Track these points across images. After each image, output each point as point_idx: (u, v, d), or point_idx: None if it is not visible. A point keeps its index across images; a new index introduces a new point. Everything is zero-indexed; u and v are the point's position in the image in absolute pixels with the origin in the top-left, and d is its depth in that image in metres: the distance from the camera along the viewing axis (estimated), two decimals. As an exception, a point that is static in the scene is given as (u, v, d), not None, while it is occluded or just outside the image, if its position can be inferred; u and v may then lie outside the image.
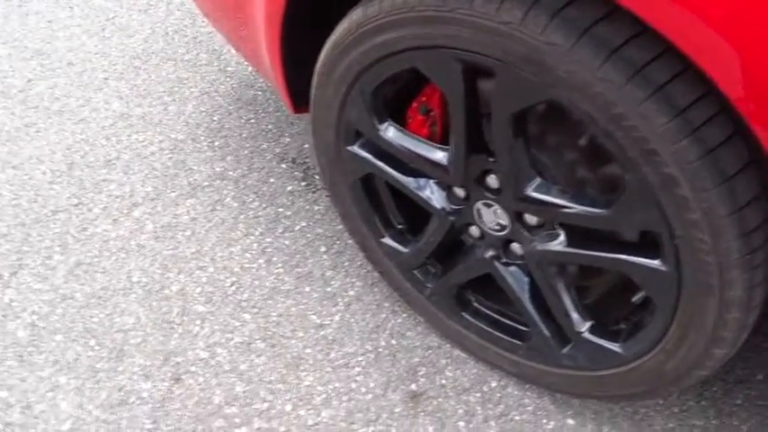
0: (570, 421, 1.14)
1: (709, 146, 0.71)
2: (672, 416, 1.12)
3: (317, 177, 1.58)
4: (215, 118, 1.76)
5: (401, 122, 1.06)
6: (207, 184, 1.61)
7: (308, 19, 1.04)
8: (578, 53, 0.73)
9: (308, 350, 1.30)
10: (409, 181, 1.08)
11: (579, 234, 0.92)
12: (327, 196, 1.53)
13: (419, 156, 1.02)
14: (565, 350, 1.05)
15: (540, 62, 0.76)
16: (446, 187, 1.05)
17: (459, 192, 1.03)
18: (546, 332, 1.05)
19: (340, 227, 1.45)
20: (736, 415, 1.11)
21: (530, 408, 1.17)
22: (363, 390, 1.23)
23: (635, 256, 0.85)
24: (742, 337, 0.85)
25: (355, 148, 1.10)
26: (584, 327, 1.00)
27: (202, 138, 1.72)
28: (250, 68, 1.86)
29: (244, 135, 1.71)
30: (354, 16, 0.92)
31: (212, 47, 1.95)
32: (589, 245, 0.91)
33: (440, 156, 1.00)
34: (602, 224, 0.87)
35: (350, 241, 1.41)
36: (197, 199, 1.58)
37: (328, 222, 1.49)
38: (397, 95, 1.04)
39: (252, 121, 1.74)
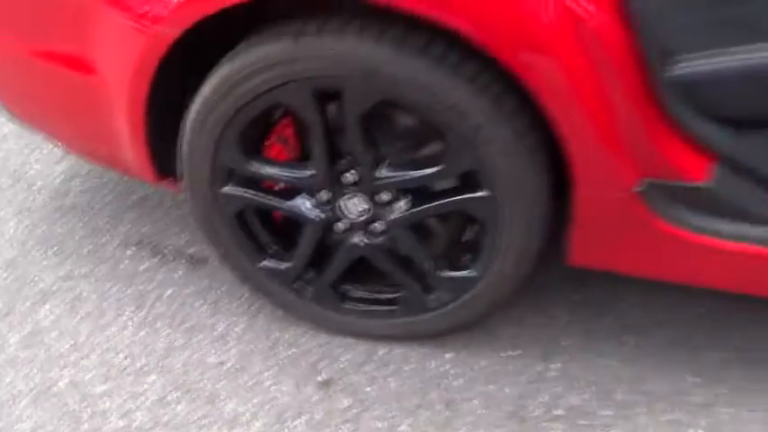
0: (447, 355, 1.45)
1: (496, 95, 1.11)
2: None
3: (167, 250, 1.73)
4: (40, 230, 1.82)
5: (263, 155, 1.34)
6: (56, 287, 1.67)
7: (169, 93, 1.27)
8: (400, 61, 1.09)
9: (220, 384, 1.44)
10: (282, 201, 1.35)
11: (424, 195, 1.27)
12: (184, 262, 1.69)
13: (290, 177, 1.30)
14: (431, 295, 1.37)
15: (375, 72, 1.11)
16: (314, 196, 1.33)
17: (325, 196, 1.32)
18: (415, 287, 1.37)
19: (206, 281, 1.63)
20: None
21: (413, 358, 1.46)
22: (280, 395, 1.42)
23: (468, 193, 1.22)
24: (545, 230, 1.26)
25: (230, 188, 1.34)
26: (440, 270, 1.34)
27: (34, 250, 1.76)
28: (59, 180, 1.95)
29: (77, 237, 1.79)
30: (224, 71, 1.19)
31: (10, 169, 2.00)
32: (433, 199, 1.27)
33: (307, 171, 1.29)
34: (439, 178, 1.23)
35: (222, 289, 1.61)
36: (52, 302, 1.63)
37: (194, 282, 1.65)
38: (258, 133, 1.31)
39: (80, 224, 1.83)
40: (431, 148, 1.27)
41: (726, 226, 1.18)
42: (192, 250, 1.72)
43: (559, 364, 1.42)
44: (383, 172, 1.25)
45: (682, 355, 1.41)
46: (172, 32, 1.17)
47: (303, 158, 1.34)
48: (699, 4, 1.32)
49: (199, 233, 1.49)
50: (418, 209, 1.28)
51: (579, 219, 1.21)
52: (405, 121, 1.26)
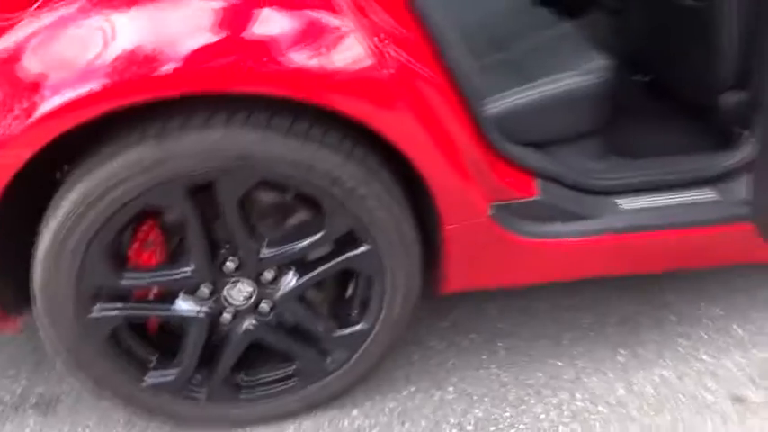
0: (354, 411, 1.49)
1: (362, 157, 1.21)
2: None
3: (7, 398, 1.52)
4: None
5: (131, 265, 1.27)
6: None
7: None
8: (271, 143, 1.14)
9: None
10: (161, 308, 1.28)
11: (308, 264, 1.31)
12: (33, 407, 1.50)
13: (167, 280, 1.25)
14: (329, 358, 1.41)
15: (248, 157, 1.14)
16: (194, 293, 1.29)
17: (207, 290, 1.29)
18: (311, 354, 1.39)
19: (68, 423, 1.46)
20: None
21: (325, 425, 1.46)
22: None
23: (350, 252, 1.29)
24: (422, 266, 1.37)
25: (99, 310, 1.24)
26: (333, 331, 1.38)
27: None
28: None
29: None
30: (83, 186, 1.12)
31: None
32: (318, 266, 1.31)
33: (184, 270, 1.25)
34: (322, 244, 1.28)
35: (89, 423, 1.45)
36: None
37: (52, 427, 1.47)
38: (124, 243, 1.24)
39: None
40: (299, 218, 1.32)
41: (560, 227, 1.41)
42: (39, 390, 1.53)
43: (452, 387, 1.53)
44: (265, 252, 1.27)
45: (545, 345, 1.62)
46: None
47: (175, 257, 1.29)
48: (481, 52, 1.58)
49: (41, 369, 1.35)
50: (306, 278, 1.31)
51: (450, 250, 1.35)
52: (270, 197, 1.30)
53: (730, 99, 1.54)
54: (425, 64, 1.26)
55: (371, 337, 1.39)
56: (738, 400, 1.48)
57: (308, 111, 1.16)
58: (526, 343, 1.63)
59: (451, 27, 1.29)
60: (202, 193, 1.20)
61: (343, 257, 1.30)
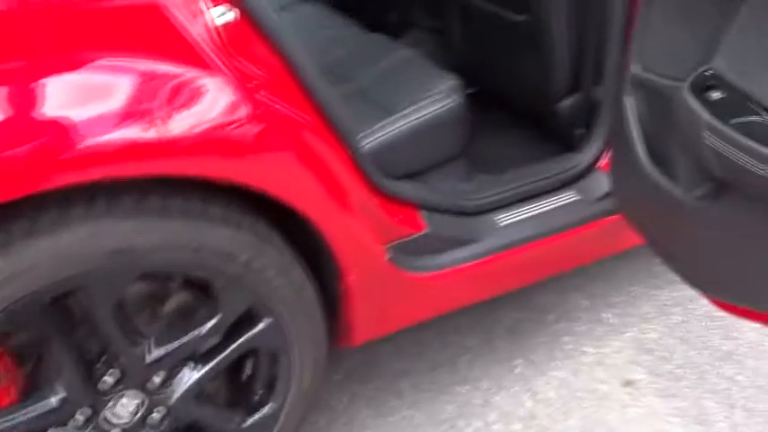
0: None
1: (251, 224, 1.07)
2: None
3: None
4: None
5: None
6: None
7: None
8: (146, 230, 0.96)
9: None
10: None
11: (204, 354, 1.13)
12: None
13: (31, 417, 0.99)
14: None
15: (124, 251, 0.94)
16: (67, 423, 1.05)
17: (83, 416, 1.05)
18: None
19: None
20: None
21: None
22: None
23: (251, 329, 1.13)
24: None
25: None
26: (241, 422, 1.21)
27: None
28: None
29: None
30: None
31: None
32: (215, 355, 1.13)
33: (52, 400, 1.00)
34: (219, 329, 1.11)
35: None
36: None
37: None
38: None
39: None
40: (185, 305, 1.14)
41: (452, 255, 1.38)
42: None
43: (365, 441, 1.44)
44: (152, 354, 1.07)
45: (444, 373, 1.59)
46: None
47: (35, 388, 1.04)
48: (336, 82, 1.49)
49: None
50: (204, 372, 1.13)
51: (353, 302, 1.25)
52: (146, 288, 1.10)
53: (567, 104, 1.62)
54: (299, 107, 1.14)
55: (283, 416, 1.24)
56: (629, 383, 1.57)
57: (180, 184, 0.99)
58: (427, 376, 1.58)
59: (314, 64, 1.19)
60: (64, 300, 0.97)
61: (244, 338, 1.14)
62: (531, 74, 1.65)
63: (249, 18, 1.00)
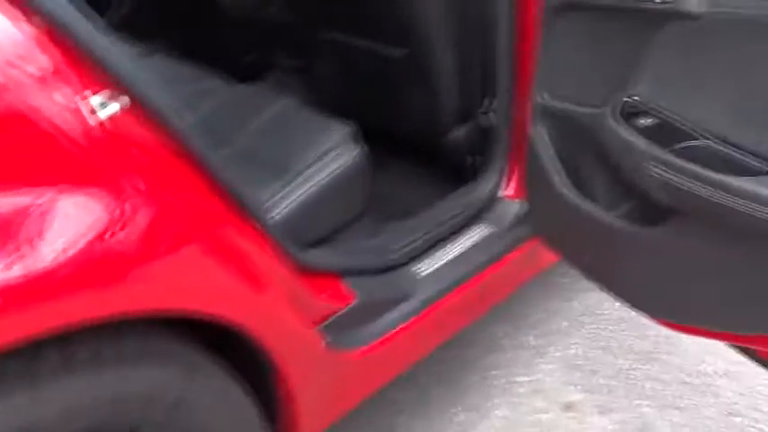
0: None
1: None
2: None
3: None
4: None
5: None
6: None
7: None
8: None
9: None
10: None
11: None
12: None
13: None
14: None
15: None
16: None
17: None
18: None
19: None
20: None
21: None
22: None
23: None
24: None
25: None
26: None
27: None
28: None
29: None
30: None
31: None
32: None
33: None
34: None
35: None
36: None
37: None
38: None
39: None
40: None
41: (387, 319, 1.26)
42: None
43: None
44: None
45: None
46: None
47: None
48: (215, 146, 1.31)
49: None
50: None
51: (296, 400, 1.09)
52: None
53: (458, 134, 1.57)
54: (196, 193, 0.96)
55: None
56: (569, 407, 1.54)
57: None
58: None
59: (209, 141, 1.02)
60: None
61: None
62: (418, 107, 1.58)
63: (139, 104, 0.81)
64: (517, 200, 1.50)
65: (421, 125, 1.60)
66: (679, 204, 0.97)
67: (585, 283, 1.81)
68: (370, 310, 1.23)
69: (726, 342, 1.20)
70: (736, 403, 1.52)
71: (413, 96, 1.57)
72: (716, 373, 1.59)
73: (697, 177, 0.91)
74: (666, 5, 0.91)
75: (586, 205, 1.19)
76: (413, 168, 1.67)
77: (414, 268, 1.37)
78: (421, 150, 1.66)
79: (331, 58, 1.71)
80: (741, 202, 0.87)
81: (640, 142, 0.98)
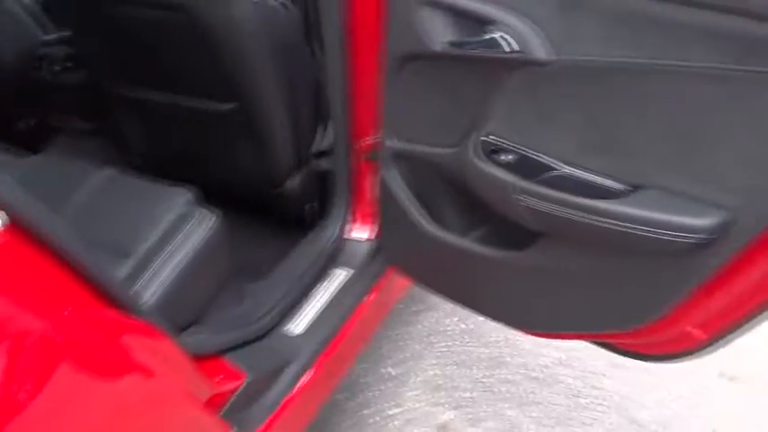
0: None
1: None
2: None
3: None
4: None
5: None
6: None
7: None
8: None
9: None
10: None
11: None
12: None
13: None
14: None
15: None
16: None
17: None
18: None
19: None
20: None
21: None
22: None
23: None
24: None
25: None
26: None
27: None
28: None
29: None
30: None
31: None
32: None
33: None
34: None
35: None
36: None
37: None
38: None
39: None
40: None
41: (279, 387, 1.21)
42: None
43: None
44: None
45: None
46: None
47: None
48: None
49: None
50: None
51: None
52: None
53: (294, 182, 1.56)
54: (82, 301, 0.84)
55: None
56: (444, 427, 1.61)
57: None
58: None
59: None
60: None
61: None
62: (250, 160, 1.53)
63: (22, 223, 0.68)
64: (365, 239, 1.54)
65: (254, 178, 1.56)
66: (548, 228, 1.08)
67: (420, 305, 1.93)
68: (262, 384, 1.17)
69: (589, 340, 1.35)
70: (577, 387, 1.71)
71: (243, 150, 1.52)
72: (554, 363, 1.77)
73: (563, 203, 1.02)
74: (516, 55, 1.01)
75: (444, 234, 1.27)
76: (255, 223, 1.62)
77: (287, 328, 1.33)
78: (258, 203, 1.61)
79: (146, 117, 1.59)
80: (602, 220, 1.00)
81: (507, 176, 1.07)
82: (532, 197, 1.04)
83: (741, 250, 0.92)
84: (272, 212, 1.61)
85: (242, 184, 1.59)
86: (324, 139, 1.57)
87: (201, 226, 1.20)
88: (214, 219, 1.22)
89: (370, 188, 1.50)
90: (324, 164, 1.56)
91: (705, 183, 0.91)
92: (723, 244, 0.92)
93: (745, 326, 1.14)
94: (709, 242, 0.91)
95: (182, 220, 1.19)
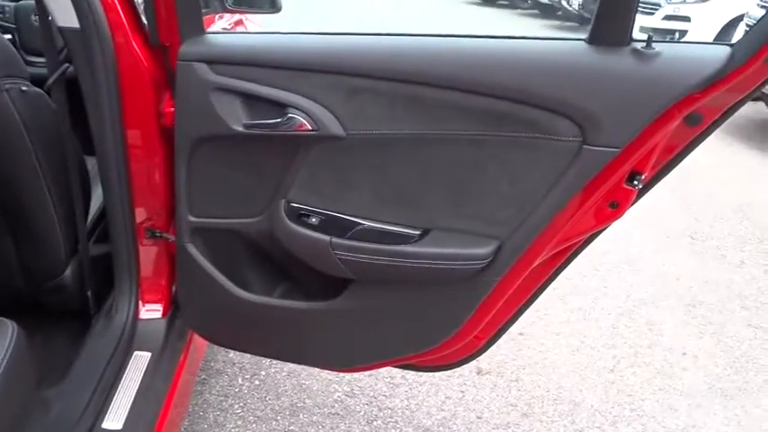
0: None
1: None
2: None
3: None
4: None
5: None
6: None
7: None
8: None
9: None
10: None
11: None
12: None
13: None
14: None
15: None
16: None
17: None
18: None
19: None
20: None
21: None
22: None
23: None
24: None
25: None
26: None
27: None
28: None
29: None
30: None
31: None
32: None
33: None
34: None
35: None
36: None
37: None
38: None
39: None
40: None
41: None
42: None
43: None
44: None
45: None
46: None
47: None
48: None
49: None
50: None
51: None
52: None
53: (70, 272, 1.49)
54: None
55: None
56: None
57: None
58: None
59: None
60: None
61: None
62: (15, 255, 1.43)
63: None
64: (158, 317, 1.53)
65: (24, 273, 1.45)
66: (361, 274, 1.24)
67: (206, 373, 1.94)
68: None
69: (396, 365, 1.52)
70: (372, 412, 1.90)
71: (7, 244, 1.41)
72: (345, 396, 1.94)
73: (372, 252, 1.20)
74: (313, 132, 1.16)
75: (250, 296, 1.36)
76: (30, 322, 1.48)
77: (105, 425, 1.27)
78: (31, 299, 1.49)
79: None
80: (406, 261, 1.20)
81: (321, 236, 1.21)
82: (346, 251, 1.20)
83: (509, 267, 1.19)
84: (48, 307, 1.50)
85: (13, 279, 1.46)
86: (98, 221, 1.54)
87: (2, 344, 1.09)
88: (11, 328, 1.12)
89: (155, 265, 1.50)
90: (101, 247, 1.52)
91: (479, 220, 1.17)
92: (498, 264, 1.18)
93: (507, 327, 1.45)
94: (489, 264, 1.17)
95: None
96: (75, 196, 1.43)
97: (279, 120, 1.17)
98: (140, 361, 1.44)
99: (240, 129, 1.19)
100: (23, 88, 1.28)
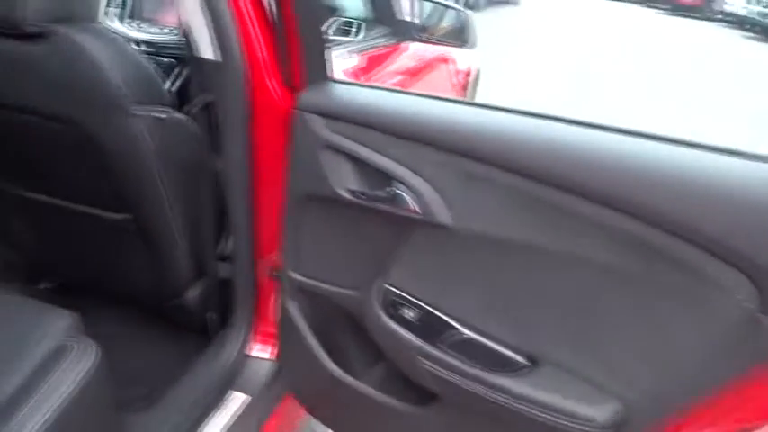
0: None
1: None
2: None
3: None
4: None
5: None
6: None
7: None
8: None
9: None
10: None
11: None
12: None
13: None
14: None
15: None
16: None
17: None
18: None
19: None
20: None
21: None
22: None
23: None
24: None
25: None
26: None
27: None
28: None
29: None
30: None
31: None
32: None
33: None
34: None
35: None
36: None
37: None
38: None
39: None
40: None
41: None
42: None
43: None
44: None
45: None
46: None
47: None
48: None
49: None
50: None
51: None
52: None
53: (194, 292, 1.47)
54: None
55: None
56: None
57: None
58: None
59: None
60: None
61: None
62: (146, 269, 1.44)
63: None
64: (267, 357, 1.45)
65: (152, 287, 1.46)
66: (448, 395, 1.03)
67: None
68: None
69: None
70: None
71: (138, 258, 1.43)
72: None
73: (464, 374, 0.98)
74: (419, 216, 0.97)
75: (343, 375, 1.21)
76: (153, 330, 1.51)
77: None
78: (157, 311, 1.52)
79: (33, 215, 1.47)
80: (503, 397, 0.96)
81: (411, 338, 1.02)
82: (435, 364, 1.00)
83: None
84: (171, 320, 1.51)
85: (139, 292, 1.49)
86: (228, 245, 1.50)
87: (78, 366, 1.07)
88: (92, 356, 1.09)
89: (272, 305, 1.42)
90: (227, 269, 1.48)
91: (598, 367, 0.89)
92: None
93: None
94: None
95: (57, 353, 1.06)
96: (205, 222, 1.41)
97: (383, 194, 1.00)
98: (234, 403, 1.38)
99: (345, 194, 1.05)
100: (162, 116, 1.25)
